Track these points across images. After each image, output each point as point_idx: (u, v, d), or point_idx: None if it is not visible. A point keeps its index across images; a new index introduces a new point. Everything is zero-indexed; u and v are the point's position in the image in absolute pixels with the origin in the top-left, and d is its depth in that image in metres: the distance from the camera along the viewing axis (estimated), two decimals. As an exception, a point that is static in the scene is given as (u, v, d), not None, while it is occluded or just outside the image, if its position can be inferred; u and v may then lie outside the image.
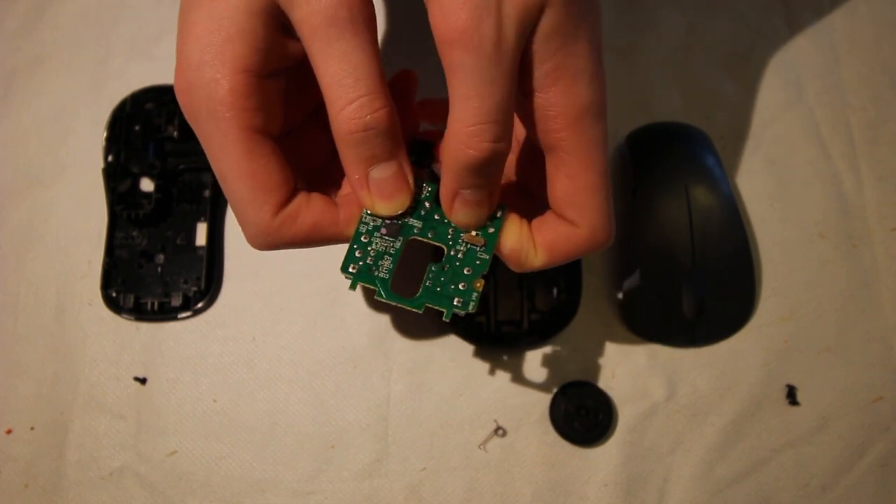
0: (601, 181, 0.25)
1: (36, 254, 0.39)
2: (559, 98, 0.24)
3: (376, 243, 0.26)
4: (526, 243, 0.26)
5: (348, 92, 0.23)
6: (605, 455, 0.36)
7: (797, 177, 0.41)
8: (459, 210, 0.26)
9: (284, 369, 0.38)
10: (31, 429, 0.37)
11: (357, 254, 0.26)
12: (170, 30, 0.43)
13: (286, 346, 0.38)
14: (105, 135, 0.40)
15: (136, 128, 0.40)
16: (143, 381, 0.37)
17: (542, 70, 0.23)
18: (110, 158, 0.40)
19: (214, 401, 0.37)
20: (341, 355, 0.38)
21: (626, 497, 0.36)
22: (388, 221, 0.26)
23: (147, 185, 0.39)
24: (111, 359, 0.38)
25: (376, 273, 0.26)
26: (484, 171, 0.24)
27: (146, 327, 0.38)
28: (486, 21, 0.22)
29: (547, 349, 0.37)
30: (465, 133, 0.23)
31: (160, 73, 0.42)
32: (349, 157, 0.24)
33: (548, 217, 0.27)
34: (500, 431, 0.37)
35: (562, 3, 0.23)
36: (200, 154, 0.41)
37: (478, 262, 0.26)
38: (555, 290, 0.37)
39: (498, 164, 0.24)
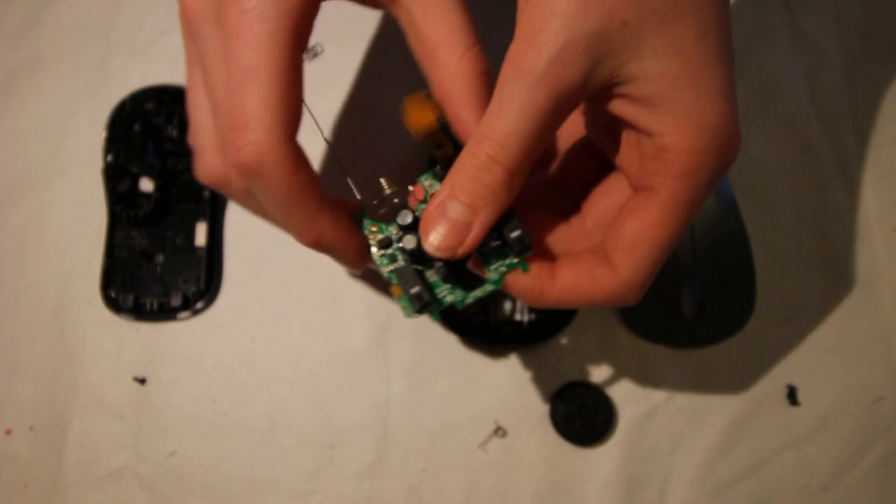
0: (669, 244, 0.24)
1: (35, 254, 0.39)
2: (680, 144, 0.22)
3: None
4: (540, 279, 0.25)
5: (461, 44, 0.24)
6: (606, 455, 0.36)
7: (797, 177, 0.41)
8: (431, 222, 0.23)
9: (284, 369, 0.38)
10: (31, 429, 0.37)
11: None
12: (169, 30, 0.43)
13: (286, 346, 0.38)
14: (105, 135, 0.40)
15: (136, 128, 0.40)
16: (142, 381, 0.37)
17: (660, 111, 0.22)
18: (110, 158, 0.40)
19: (214, 401, 0.37)
20: (341, 355, 0.38)
21: (627, 497, 0.36)
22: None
23: (147, 185, 0.39)
24: (111, 359, 0.38)
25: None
26: (473, 182, 0.23)
27: (146, 327, 0.38)
28: (543, 50, 0.21)
29: (547, 349, 0.37)
30: (474, 138, 0.23)
31: (160, 73, 0.42)
32: (475, 97, 0.24)
33: (583, 255, 0.25)
34: (500, 431, 0.37)
35: (668, 54, 0.21)
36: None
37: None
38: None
39: (486, 190, 0.23)
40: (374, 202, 0.27)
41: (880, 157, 0.41)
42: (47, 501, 0.36)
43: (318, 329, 0.38)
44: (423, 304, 0.25)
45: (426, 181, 0.26)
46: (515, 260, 0.25)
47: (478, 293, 0.26)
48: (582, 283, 0.25)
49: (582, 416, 0.36)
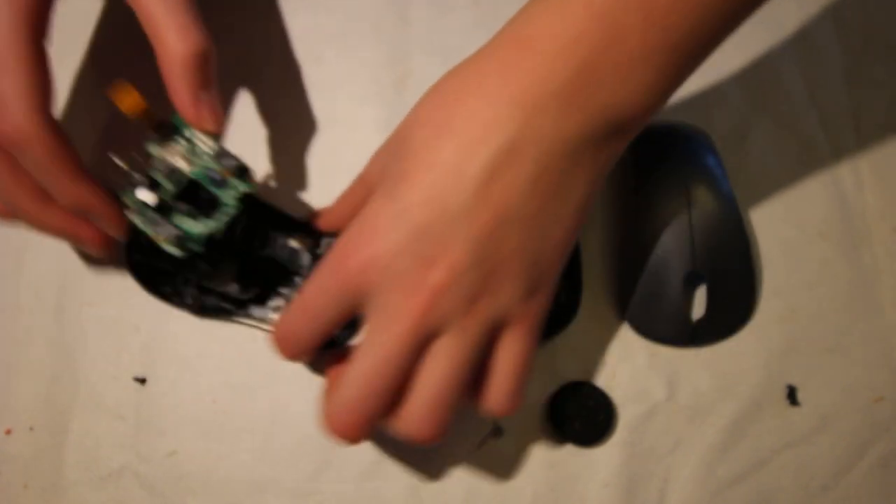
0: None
1: (36, 254, 0.39)
2: None
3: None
4: None
5: (179, 25, 0.30)
6: (606, 455, 0.36)
7: (797, 177, 0.41)
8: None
9: (284, 369, 0.37)
10: (31, 429, 0.37)
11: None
12: (170, 30, 0.42)
13: (286, 346, 0.38)
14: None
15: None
16: (142, 381, 0.37)
17: None
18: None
19: (214, 401, 0.37)
20: (341, 355, 0.38)
21: (627, 497, 0.36)
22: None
23: (147, 185, 0.39)
24: (111, 359, 0.38)
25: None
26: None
27: (146, 327, 0.38)
28: None
29: (547, 349, 0.37)
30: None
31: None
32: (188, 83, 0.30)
33: None
34: (499, 432, 0.37)
35: None
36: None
37: None
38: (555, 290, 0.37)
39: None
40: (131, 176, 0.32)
41: (880, 157, 0.41)
42: (47, 501, 0.36)
43: (318, 329, 0.38)
44: (181, 241, 0.31)
45: (153, 148, 0.32)
46: (241, 183, 0.32)
47: (223, 218, 0.32)
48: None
49: (582, 416, 0.36)
